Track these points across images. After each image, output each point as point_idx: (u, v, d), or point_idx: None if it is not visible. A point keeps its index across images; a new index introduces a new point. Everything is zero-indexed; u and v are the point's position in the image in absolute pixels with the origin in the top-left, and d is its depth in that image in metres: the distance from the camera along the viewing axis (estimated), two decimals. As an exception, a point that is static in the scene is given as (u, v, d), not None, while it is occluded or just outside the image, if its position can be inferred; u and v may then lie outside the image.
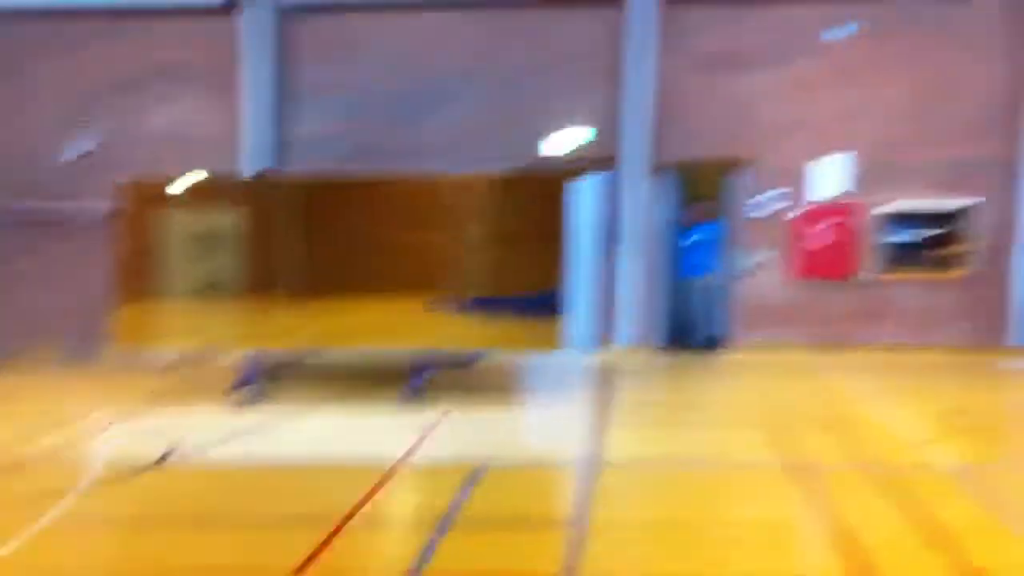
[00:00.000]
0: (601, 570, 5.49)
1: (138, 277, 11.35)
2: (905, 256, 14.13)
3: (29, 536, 6.25)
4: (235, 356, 12.45)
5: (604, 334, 14.46)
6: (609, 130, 14.28)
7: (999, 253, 13.95)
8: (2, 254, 14.91)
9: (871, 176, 14.06)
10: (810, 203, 14.15)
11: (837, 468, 7.64)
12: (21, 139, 14.87)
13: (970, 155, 13.92)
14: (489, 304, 11.18)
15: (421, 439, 8.91)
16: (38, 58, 14.85)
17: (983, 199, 13.92)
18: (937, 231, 14.03)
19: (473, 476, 7.53)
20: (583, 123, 14.33)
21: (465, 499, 6.94)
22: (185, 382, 12.62)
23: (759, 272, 14.30)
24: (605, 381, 12.24)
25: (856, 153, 14.07)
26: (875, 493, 6.95)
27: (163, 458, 8.29)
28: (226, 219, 11.33)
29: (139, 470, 7.93)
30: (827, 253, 14.16)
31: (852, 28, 13.97)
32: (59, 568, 5.75)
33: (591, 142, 14.34)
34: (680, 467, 7.91)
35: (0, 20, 14.83)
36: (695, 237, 13.97)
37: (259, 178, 13.26)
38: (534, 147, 14.33)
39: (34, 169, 14.84)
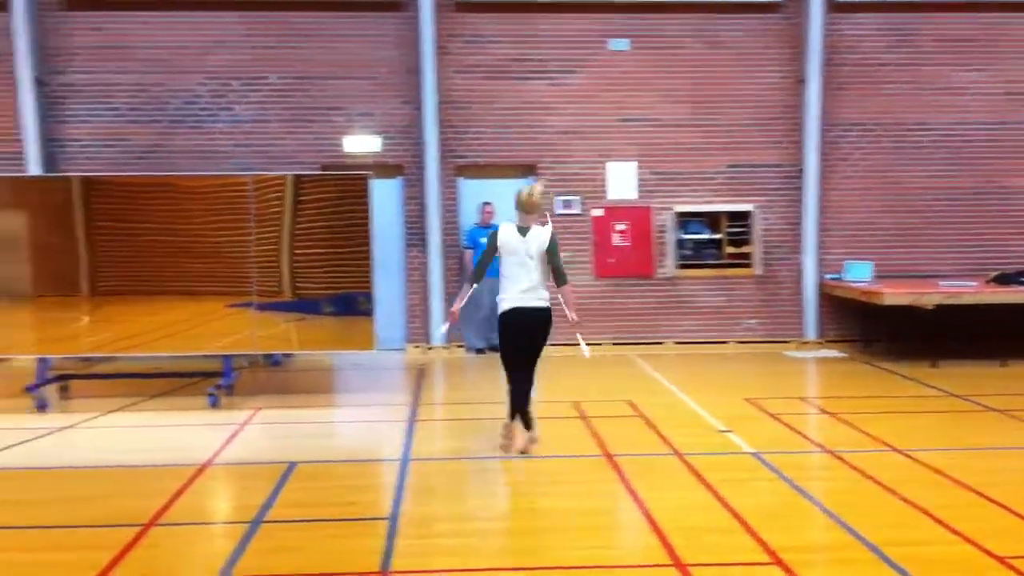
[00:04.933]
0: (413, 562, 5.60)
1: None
2: (698, 255, 14.83)
3: None
4: (25, 361, 11.92)
5: (415, 333, 14.54)
6: (406, 134, 14.39)
7: (786, 253, 14.84)
8: None
9: (659, 180, 14.70)
10: (605, 206, 14.64)
11: (648, 454, 8.00)
12: None
13: (754, 160, 14.75)
14: (294, 305, 11.11)
15: (229, 439, 8.79)
16: None
17: (768, 202, 14.77)
18: (728, 232, 14.79)
19: (284, 474, 7.50)
20: (378, 127, 14.39)
21: (276, 497, 6.91)
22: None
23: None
24: (414, 380, 12.33)
25: (645, 158, 14.66)
26: (683, 478, 7.33)
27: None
28: (9, 220, 10.84)
29: (-76, 479, 7.53)
30: (625, 253, 14.70)
31: (626, 43, 14.61)
32: None
33: (387, 145, 14.41)
34: (487, 461, 8.10)
35: None
36: (484, 239, 14.20)
37: (43, 178, 12.71)
38: (332, 149, 14.28)
39: None
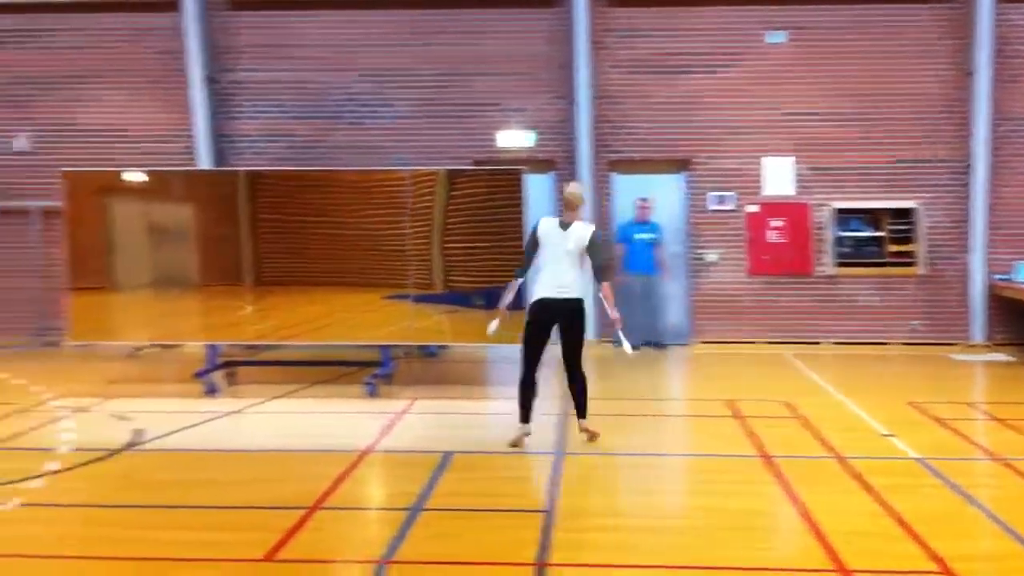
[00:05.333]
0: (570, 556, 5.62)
1: (90, 270, 11.32)
2: (858, 254, 14.40)
3: (0, 517, 6.31)
4: (194, 347, 12.46)
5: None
6: (559, 129, 14.43)
7: (953, 252, 14.27)
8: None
9: (817, 176, 14.33)
10: (760, 202, 14.37)
11: (807, 456, 7.84)
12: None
13: (918, 155, 14.24)
14: (447, 297, 11.28)
15: (387, 428, 8.99)
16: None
17: (933, 199, 14.24)
18: (890, 229, 14.32)
19: (441, 463, 7.64)
20: (531, 123, 14.46)
21: (434, 486, 7.04)
22: (145, 372, 12.59)
23: (714, 269, 14.52)
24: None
25: (802, 153, 14.31)
26: (844, 482, 7.15)
27: (131, 443, 8.30)
28: (179, 213, 11.34)
29: (107, 454, 7.95)
30: (781, 250, 14.39)
31: (783, 36, 14.27)
32: (27, 546, 5.78)
33: (540, 141, 14.47)
34: (641, 457, 8.06)
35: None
36: (639, 235, 14.11)
37: (211, 172, 13.26)
38: (485, 145, 14.43)
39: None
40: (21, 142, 14.60)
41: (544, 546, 5.73)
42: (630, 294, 13.89)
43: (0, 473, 7.35)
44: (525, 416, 8.31)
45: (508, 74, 14.49)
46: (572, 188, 8.25)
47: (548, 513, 6.37)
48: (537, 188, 13.66)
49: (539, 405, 10.21)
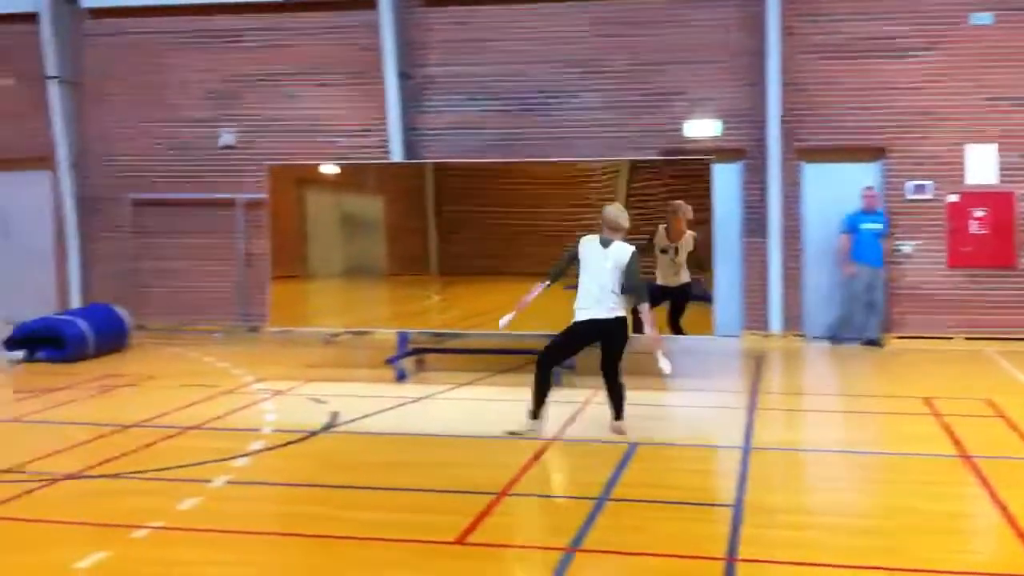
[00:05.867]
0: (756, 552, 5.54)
1: (289, 259, 11.88)
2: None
3: (209, 493, 6.68)
4: (385, 334, 12.86)
5: (753, 320, 14.32)
6: (747, 117, 14.15)
7: None
8: (163, 239, 15.70)
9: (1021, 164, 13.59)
10: (962, 191, 13.71)
11: (1012, 457, 7.48)
12: (174, 131, 15.60)
13: None
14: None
15: (572, 417, 9.07)
16: (185, 52, 15.55)
17: None
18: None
19: (626, 454, 7.65)
20: (719, 112, 14.23)
21: (620, 475, 7.06)
22: (340, 357, 13.09)
23: (912, 261, 13.94)
24: (754, 367, 12.16)
25: (1008, 141, 13.57)
26: (1041, 486, 6.80)
27: (328, 425, 8.67)
28: (371, 204, 11.72)
29: (306, 435, 8.33)
30: (983, 241, 13.71)
31: (989, 17, 13.51)
32: (233, 522, 6.12)
33: (727, 130, 14.23)
34: (831, 454, 7.86)
35: (147, 15, 15.60)
36: (866, 225, 13.59)
37: (399, 165, 13.64)
38: (672, 135, 14.31)
39: (189, 159, 15.58)
40: (228, 137, 15.40)
41: (733, 541, 5.67)
42: (853, 286, 13.52)
43: (209, 451, 7.81)
44: (537, 412, 8.36)
45: (695, 62, 14.29)
46: (616, 210, 8.36)
47: (736, 507, 6.29)
48: (724, 178, 13.43)
49: (720, 399, 10.13)
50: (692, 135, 14.34)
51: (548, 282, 8.66)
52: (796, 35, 14.00)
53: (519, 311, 8.78)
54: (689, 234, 10.82)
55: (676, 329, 10.93)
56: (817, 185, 14.21)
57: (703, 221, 10.70)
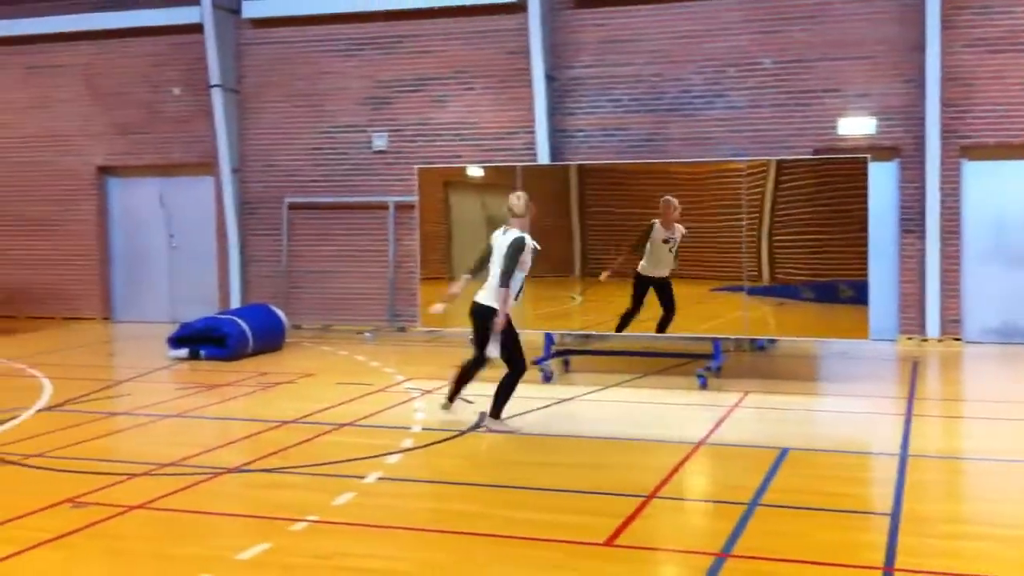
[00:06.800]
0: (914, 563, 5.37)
1: (437, 260, 12.09)
2: None
3: (363, 489, 6.87)
4: (528, 335, 12.92)
5: (909, 323, 13.87)
6: (904, 114, 13.68)
7: None
8: (317, 241, 16.20)
9: None
10: None
11: None
12: (329, 136, 16.06)
13: None
14: (779, 290, 11.06)
15: (720, 421, 8.96)
16: (341, 59, 15.97)
17: None
18: None
19: (777, 459, 7.52)
20: (874, 109, 13.80)
21: (770, 481, 6.94)
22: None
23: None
24: (910, 371, 11.78)
25: None
26: None
27: (476, 425, 8.79)
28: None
29: (455, 434, 8.48)
30: None
31: None
32: (386, 517, 6.27)
33: (882, 127, 13.78)
34: (993, 463, 7.55)
35: (304, 24, 16.08)
36: None
37: (544, 167, 13.70)
38: (825, 133, 13.96)
39: (342, 163, 16.02)
40: (380, 141, 15.78)
41: (891, 551, 5.51)
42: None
43: (362, 448, 8.02)
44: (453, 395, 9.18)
45: (852, 58, 13.90)
46: (511, 197, 8.74)
47: (894, 517, 6.11)
48: (879, 176, 13.04)
49: (875, 404, 9.85)
50: (846, 133, 13.96)
51: (468, 275, 9.15)
52: (955, 28, 13.48)
53: (447, 302, 9.26)
54: (678, 226, 10.91)
55: (663, 329, 11.21)
56: (977, 183, 13.66)
57: (858, 221, 10.41)
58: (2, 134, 17.80)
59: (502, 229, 8.75)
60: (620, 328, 11.32)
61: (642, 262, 11.12)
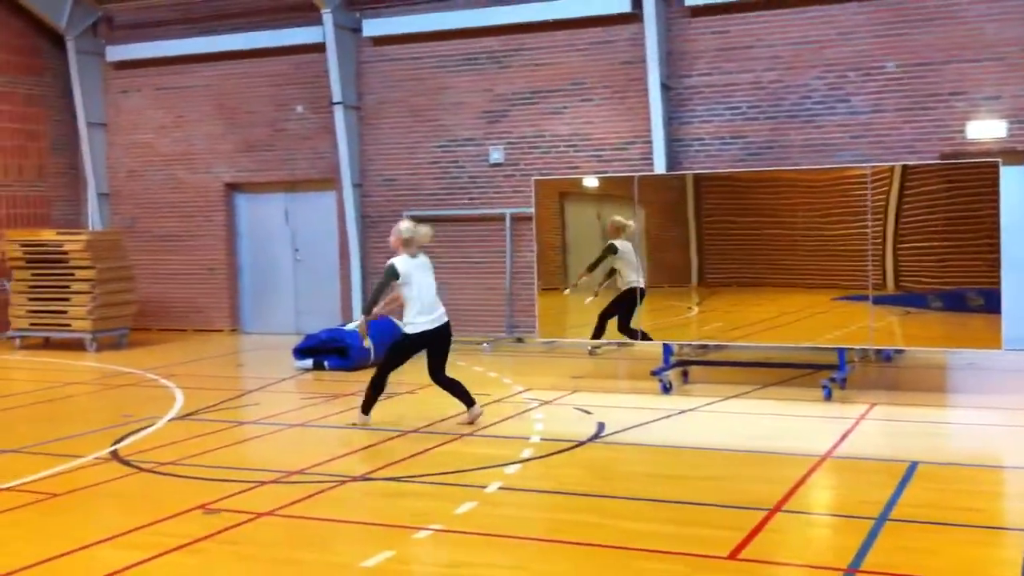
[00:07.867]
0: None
1: (553, 270, 12.15)
2: None
3: (484, 498, 6.93)
4: (646, 346, 12.85)
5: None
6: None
7: None
8: (434, 254, 16.32)
9: None
10: None
11: None
12: (447, 150, 16.28)
13: None
14: (906, 299, 10.75)
15: (846, 433, 8.76)
16: (458, 74, 16.16)
17: None
18: None
19: (907, 472, 7.31)
20: (1005, 112, 13.30)
21: (900, 496, 6.76)
22: (603, 368, 13.22)
23: None
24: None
25: None
26: None
27: (595, 435, 8.78)
28: (631, 216, 11.77)
29: (574, 445, 8.48)
30: None
31: None
32: (507, 527, 6.30)
33: (1014, 131, 13.27)
34: None
35: (423, 40, 16.32)
36: None
37: (659, 176, 13.61)
38: (952, 137, 13.52)
39: (460, 176, 16.21)
40: (497, 155, 15.91)
41: (1028, 569, 5.31)
42: None
43: (483, 458, 8.10)
44: (368, 408, 9.52)
45: (981, 60, 13.44)
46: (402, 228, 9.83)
47: (1031, 533, 5.89)
48: (1013, 181, 12.56)
49: (1008, 417, 9.49)
50: (975, 137, 13.51)
51: (365, 315, 9.63)
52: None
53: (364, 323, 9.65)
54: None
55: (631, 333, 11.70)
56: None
57: (989, 227, 10.07)
58: (136, 153, 18.55)
59: (407, 258, 9.71)
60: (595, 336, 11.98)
61: (632, 276, 11.65)
